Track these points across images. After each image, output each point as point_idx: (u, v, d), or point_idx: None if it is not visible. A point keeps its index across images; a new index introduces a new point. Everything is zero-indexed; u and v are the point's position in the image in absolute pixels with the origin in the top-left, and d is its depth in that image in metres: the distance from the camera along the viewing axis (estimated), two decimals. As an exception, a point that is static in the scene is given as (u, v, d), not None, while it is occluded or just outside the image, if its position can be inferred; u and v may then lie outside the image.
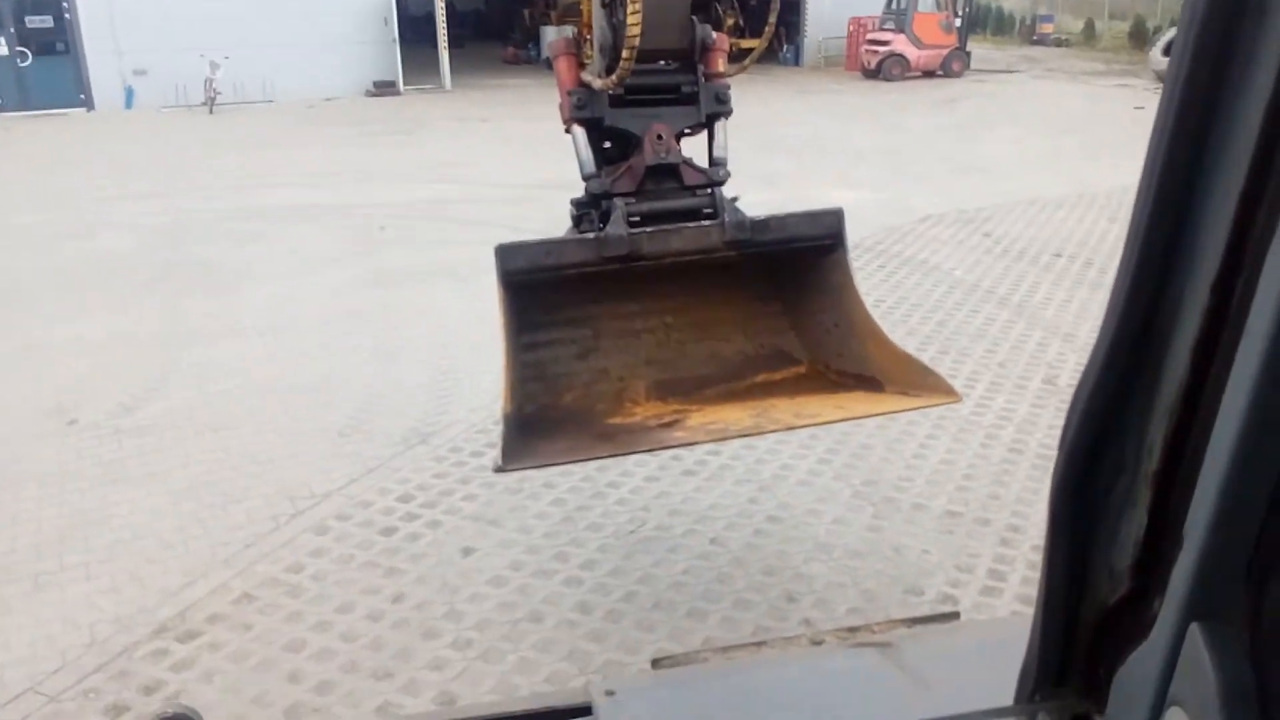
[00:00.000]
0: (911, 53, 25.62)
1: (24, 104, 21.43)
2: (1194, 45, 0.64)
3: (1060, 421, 0.78)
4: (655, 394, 3.85)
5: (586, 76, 3.74)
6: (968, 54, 26.86)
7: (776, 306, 4.01)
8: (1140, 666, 0.76)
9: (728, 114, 3.85)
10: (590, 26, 3.95)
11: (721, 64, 3.82)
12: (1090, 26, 38.21)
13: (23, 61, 21.57)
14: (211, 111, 21.33)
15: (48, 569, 4.45)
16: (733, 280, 3.89)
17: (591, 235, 3.57)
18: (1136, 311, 0.71)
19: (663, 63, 3.81)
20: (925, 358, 6.66)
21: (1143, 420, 0.73)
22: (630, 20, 3.26)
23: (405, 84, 24.53)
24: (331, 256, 9.68)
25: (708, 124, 3.84)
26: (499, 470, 3.21)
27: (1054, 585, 0.79)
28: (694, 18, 3.70)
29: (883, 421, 5.72)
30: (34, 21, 21.71)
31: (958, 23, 26.23)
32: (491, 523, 4.73)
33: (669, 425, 3.60)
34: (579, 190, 3.86)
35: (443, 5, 24.99)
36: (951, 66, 26.07)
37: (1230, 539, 0.68)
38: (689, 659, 1.66)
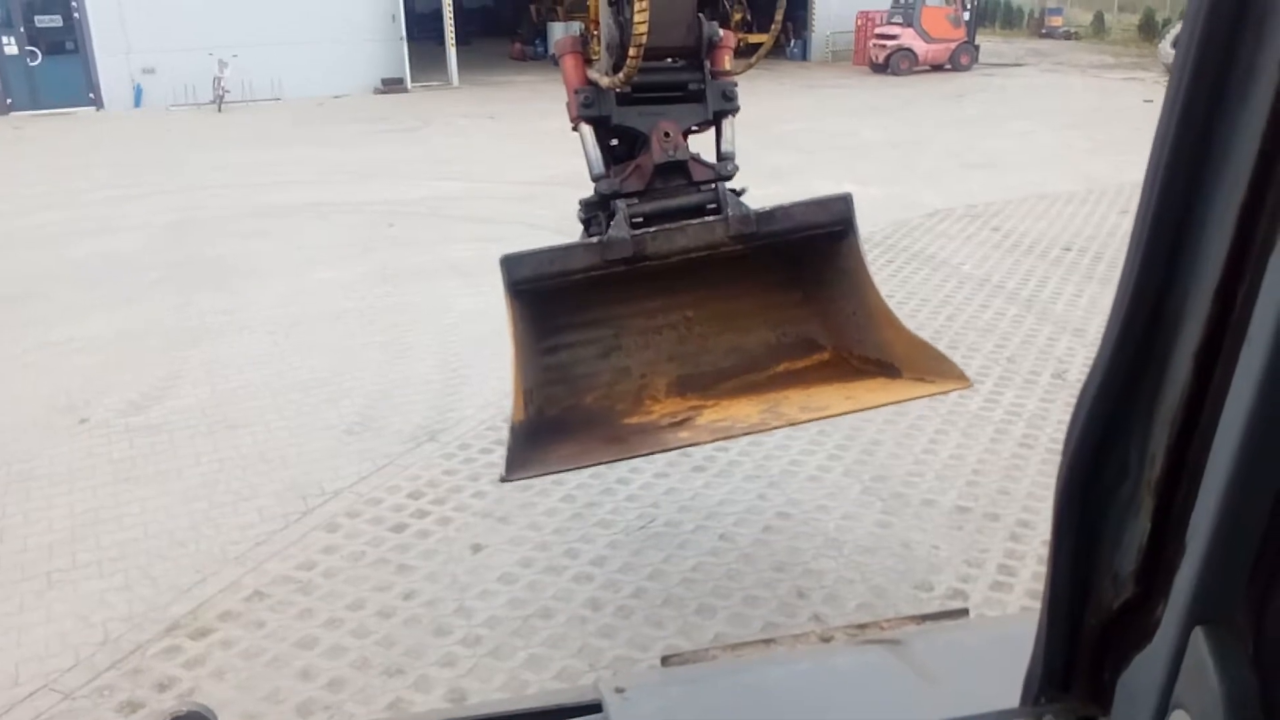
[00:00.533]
0: (919, 47, 25.53)
1: (34, 103, 21.51)
2: (1195, 53, 0.65)
3: (1070, 417, 0.79)
4: (675, 390, 3.84)
5: (593, 74, 3.74)
6: (976, 48, 26.74)
7: (798, 295, 3.96)
8: (1144, 671, 0.76)
9: (735, 111, 3.85)
10: (597, 23, 3.94)
11: (728, 62, 3.82)
12: (1099, 19, 38.01)
13: (32, 61, 21.63)
14: (220, 110, 21.39)
15: (60, 566, 4.48)
16: (753, 270, 3.85)
17: (595, 240, 3.57)
18: (1139, 318, 0.72)
19: (670, 60, 3.81)
20: (934, 353, 6.70)
21: (1145, 426, 0.73)
22: (638, 18, 3.27)
23: (413, 81, 24.55)
24: (340, 254, 9.71)
25: (715, 121, 3.84)
26: (503, 480, 3.32)
27: (1058, 590, 0.80)
28: (701, 15, 3.70)
29: (891, 416, 5.72)
30: (43, 21, 21.77)
31: (966, 16, 26.12)
32: (501, 519, 4.75)
33: (677, 425, 3.60)
34: (586, 187, 3.86)
35: (450, 2, 24.99)
36: (960, 60, 25.96)
37: (1233, 545, 0.68)
38: (699, 656, 1.67)
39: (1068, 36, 36.80)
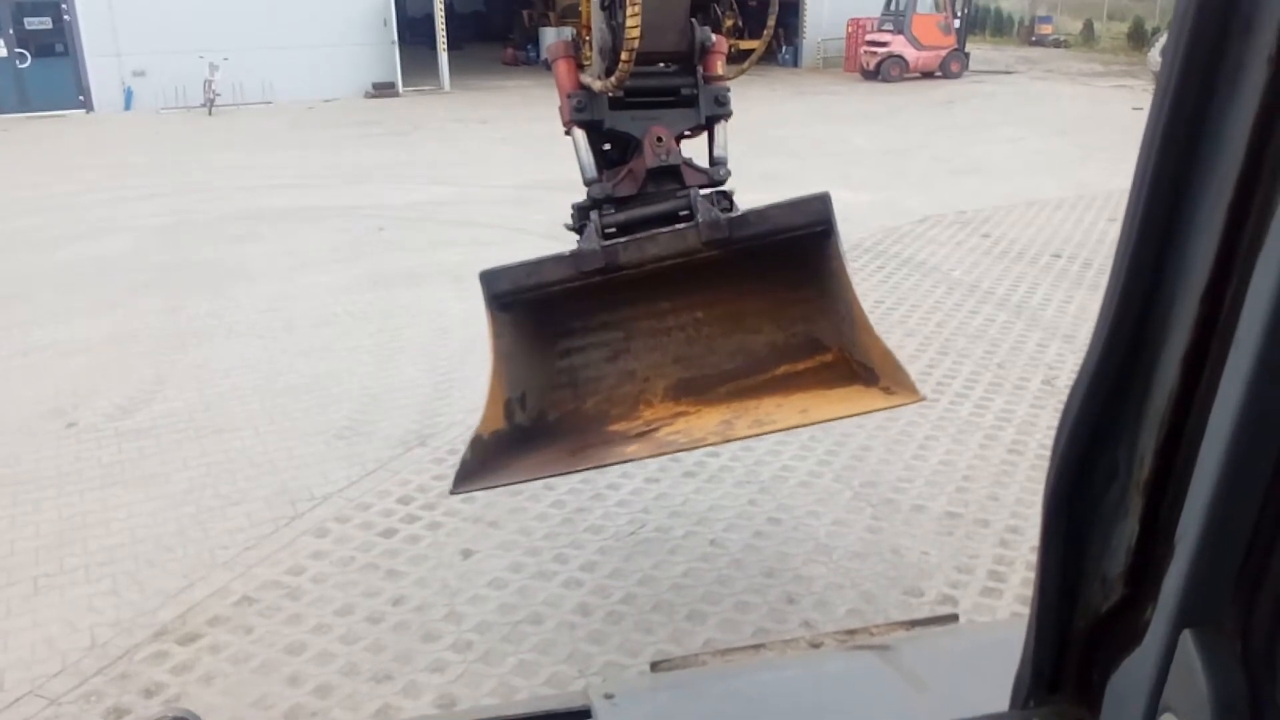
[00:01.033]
0: (910, 54, 25.64)
1: (23, 105, 21.46)
2: (1183, 58, 0.65)
3: (1058, 420, 0.79)
4: (671, 395, 3.79)
5: (586, 79, 3.74)
6: (966, 55, 26.88)
7: (807, 293, 3.85)
8: (1133, 673, 0.76)
9: (727, 116, 3.85)
10: (589, 28, 3.95)
11: (720, 67, 3.82)
12: (1089, 27, 38.23)
13: (22, 63, 21.59)
14: (210, 113, 21.34)
15: (47, 571, 4.45)
16: (763, 269, 3.77)
17: (567, 252, 3.57)
18: (1127, 321, 0.72)
19: (662, 65, 3.81)
20: (925, 358, 6.73)
21: (1134, 429, 0.74)
22: (630, 22, 3.27)
23: (404, 85, 24.55)
24: (330, 258, 9.69)
25: (707, 126, 3.84)
26: (451, 493, 3.44)
27: (1047, 592, 0.80)
28: (693, 20, 3.70)
29: (882, 422, 5.73)
30: (33, 23, 21.73)
31: (956, 24, 26.25)
32: (491, 524, 4.74)
33: (637, 437, 3.55)
34: (578, 191, 3.86)
35: (442, 7, 25.01)
36: (950, 67, 26.09)
37: (1221, 547, 0.69)
38: (688, 662, 1.66)
39: (1057, 44, 37.01)
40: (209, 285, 8.81)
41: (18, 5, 21.49)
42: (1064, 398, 0.78)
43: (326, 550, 4.56)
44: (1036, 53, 34.76)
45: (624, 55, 3.34)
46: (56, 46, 21.90)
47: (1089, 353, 0.75)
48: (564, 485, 4.99)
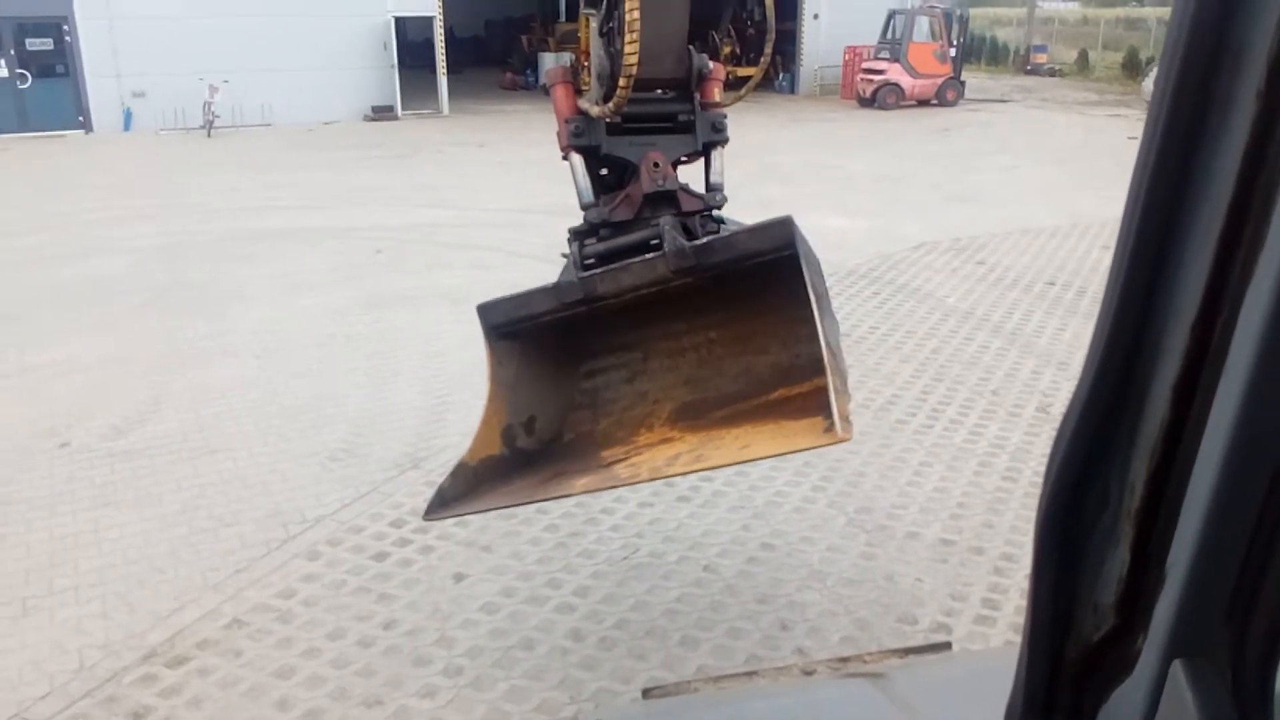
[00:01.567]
0: (906, 81, 25.83)
1: (23, 125, 21.53)
2: (1173, 91, 0.66)
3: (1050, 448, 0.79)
4: (671, 419, 3.77)
5: (584, 104, 3.76)
6: (962, 83, 27.07)
7: (775, 320, 3.76)
8: (1124, 703, 0.76)
9: (724, 142, 3.87)
10: (588, 54, 3.98)
11: (718, 93, 3.84)
12: (1084, 57, 38.56)
13: (22, 83, 21.68)
14: (209, 134, 21.42)
15: (36, 593, 4.42)
16: (738, 295, 3.71)
17: (550, 284, 3.60)
18: (1119, 350, 0.72)
19: (660, 91, 3.83)
20: (920, 384, 6.74)
21: (1125, 457, 0.74)
22: (628, 49, 3.29)
23: (403, 109, 24.67)
24: (326, 279, 9.70)
25: (704, 152, 3.86)
26: (425, 518, 3.55)
27: (1039, 621, 0.80)
28: (691, 47, 3.73)
29: (876, 449, 5.73)
30: (34, 44, 21.85)
31: (952, 52, 26.46)
32: (484, 548, 4.72)
33: (604, 467, 3.53)
34: (574, 215, 3.88)
35: (442, 31, 25.18)
36: (946, 95, 26.27)
37: (1212, 577, 0.69)
38: (680, 689, 1.66)
39: (1052, 73, 37.31)
40: (205, 306, 8.81)
41: (19, 26, 21.62)
42: (1058, 425, 0.79)
43: (318, 573, 4.54)
44: (1032, 81, 35.05)
45: (622, 81, 3.36)
46: (57, 67, 22.01)
47: (1080, 381, 0.75)
48: (557, 509, 4.98)
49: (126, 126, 22.41)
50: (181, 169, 17.17)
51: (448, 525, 4.90)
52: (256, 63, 22.63)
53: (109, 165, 17.87)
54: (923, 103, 26.12)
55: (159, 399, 6.66)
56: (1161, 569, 0.72)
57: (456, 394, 6.67)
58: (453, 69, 26.90)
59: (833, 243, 10.16)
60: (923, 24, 26.30)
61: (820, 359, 3.16)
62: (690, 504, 5.11)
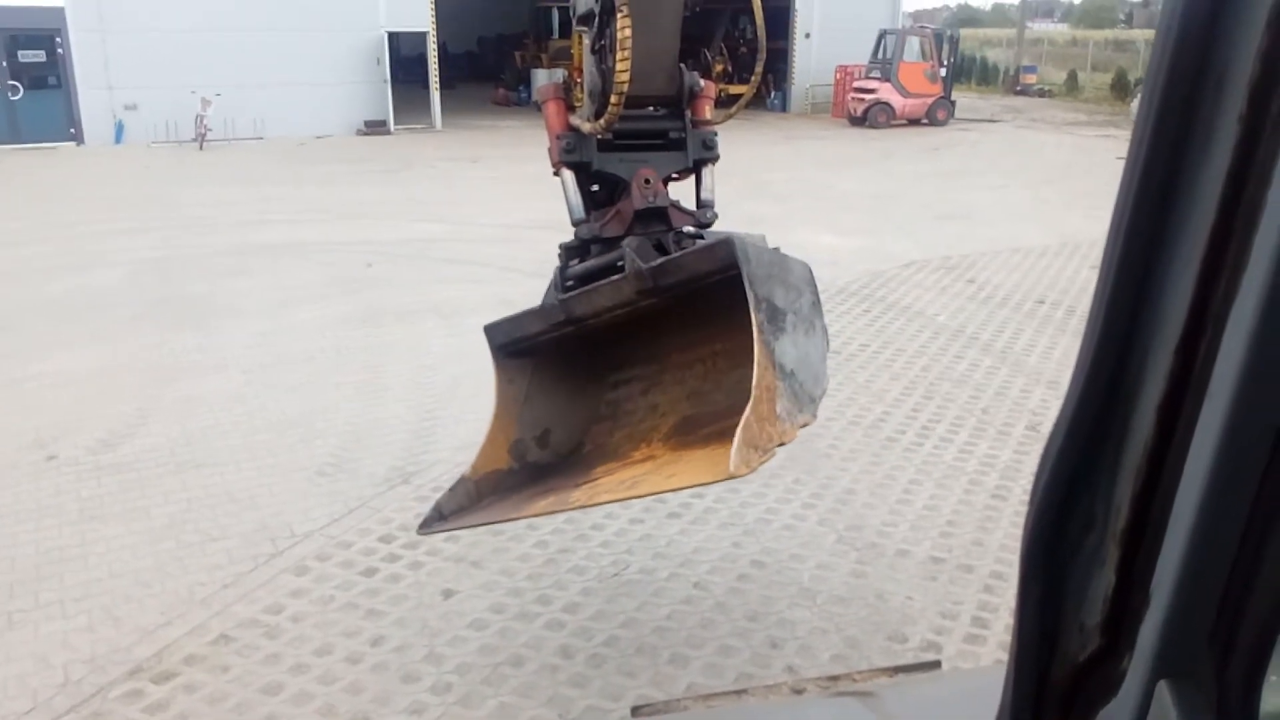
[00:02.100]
0: (897, 101, 25.99)
1: (14, 137, 21.50)
2: (1156, 114, 0.67)
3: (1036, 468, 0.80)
4: (669, 434, 3.76)
5: (576, 120, 3.78)
6: (952, 103, 27.27)
7: (726, 343, 3.76)
8: None
9: (715, 160, 3.89)
10: (581, 71, 4.00)
11: (709, 111, 3.86)
12: (1073, 78, 38.89)
13: (14, 95, 21.66)
14: (202, 148, 21.41)
15: (22, 606, 4.39)
16: (698, 315, 3.69)
17: (537, 306, 3.69)
18: (1104, 371, 0.73)
19: (651, 108, 3.86)
20: (910, 402, 6.75)
21: (1110, 479, 0.74)
22: (620, 66, 3.32)
23: (396, 123, 24.71)
24: (318, 293, 9.69)
25: (695, 169, 3.88)
26: (419, 532, 3.65)
27: (1025, 641, 0.80)
28: (683, 65, 3.75)
29: (866, 466, 5.74)
30: (26, 55, 21.84)
31: (943, 72, 26.65)
32: (474, 564, 4.70)
33: (564, 490, 3.52)
34: (565, 231, 3.89)
35: (434, 46, 25.25)
36: (936, 115, 26.45)
37: (1197, 598, 0.69)
38: (670, 707, 1.65)
39: (1042, 94, 37.59)
40: (196, 319, 8.79)
41: (12, 37, 21.61)
42: (1044, 446, 0.79)
43: (306, 588, 4.52)
44: (1021, 102, 35.30)
45: (614, 98, 3.38)
46: (49, 79, 22.00)
47: (1065, 402, 0.75)
48: (547, 525, 4.97)
49: (118, 139, 22.39)
50: (173, 182, 17.15)
51: (437, 541, 4.88)
52: (249, 76, 22.66)
53: (100, 177, 17.84)
54: (913, 122, 26.28)
55: (147, 412, 6.64)
56: (1146, 590, 0.72)
57: (447, 409, 6.66)
58: (446, 84, 26.98)
59: (824, 260, 10.20)
60: (913, 44, 26.52)
61: (752, 384, 3.04)
62: (681, 520, 5.11)
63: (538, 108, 4.01)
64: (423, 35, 25.14)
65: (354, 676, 3.88)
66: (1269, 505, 0.66)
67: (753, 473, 2.89)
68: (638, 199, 3.68)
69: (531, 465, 3.65)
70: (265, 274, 10.49)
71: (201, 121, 21.55)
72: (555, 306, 3.61)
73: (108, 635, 4.17)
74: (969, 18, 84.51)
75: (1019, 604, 0.80)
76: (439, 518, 3.44)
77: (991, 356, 7.82)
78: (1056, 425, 0.76)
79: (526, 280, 9.00)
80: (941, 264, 10.96)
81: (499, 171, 17.88)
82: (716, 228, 3.84)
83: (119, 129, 22.40)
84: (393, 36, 24.75)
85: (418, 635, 4.15)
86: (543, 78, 26.85)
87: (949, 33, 29.09)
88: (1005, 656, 0.86)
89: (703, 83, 3.83)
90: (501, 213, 13.75)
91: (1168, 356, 0.69)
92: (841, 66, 28.28)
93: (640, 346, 3.80)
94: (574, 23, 3.92)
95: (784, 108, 30.12)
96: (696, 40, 25.42)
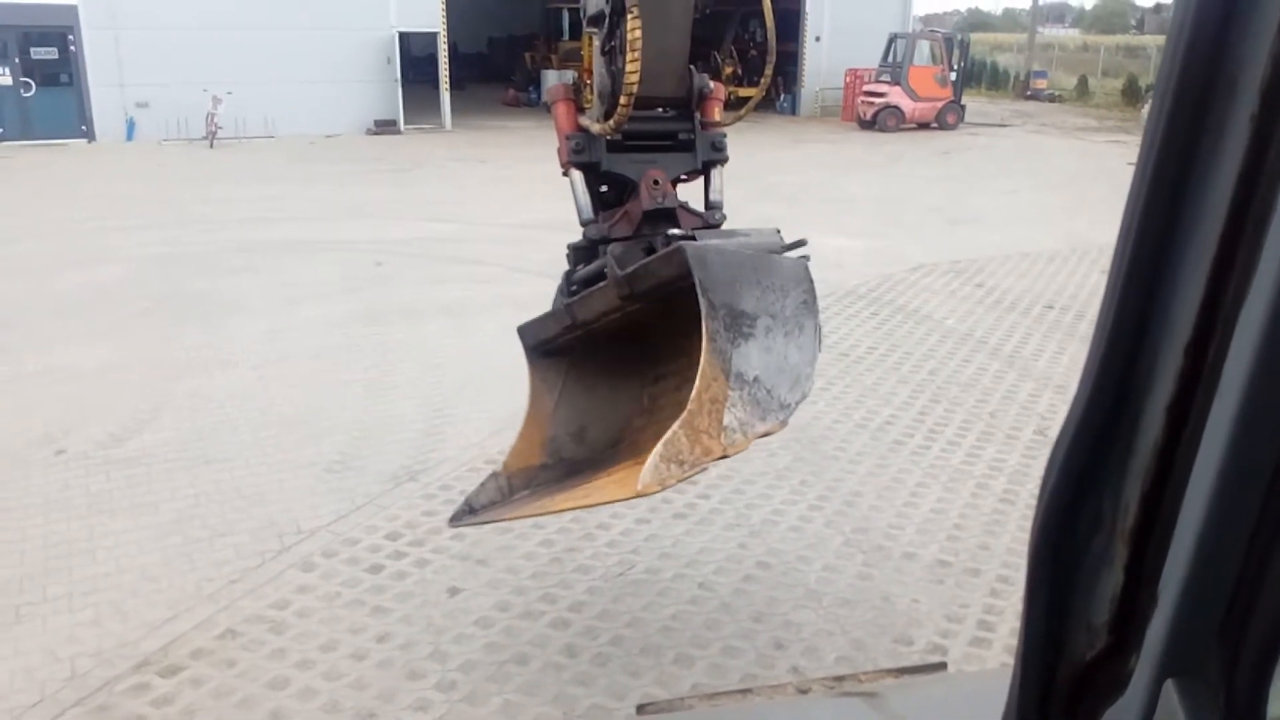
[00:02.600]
0: (907, 105, 25.96)
1: (26, 133, 21.62)
2: (1168, 116, 0.67)
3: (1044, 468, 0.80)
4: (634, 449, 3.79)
5: (585, 121, 3.79)
6: (962, 107, 27.22)
7: (692, 355, 3.81)
8: None
9: (724, 161, 3.89)
10: (591, 72, 4.01)
11: (718, 113, 3.87)
12: (1083, 83, 38.78)
13: (26, 92, 21.77)
14: (212, 145, 21.49)
15: (30, 600, 4.41)
16: (684, 320, 3.77)
17: (550, 310, 3.77)
18: (1113, 371, 0.73)
19: (660, 110, 3.86)
20: (918, 405, 6.74)
21: (1119, 478, 0.74)
22: (629, 68, 3.32)
23: (406, 123, 24.77)
24: (326, 291, 9.71)
25: (704, 171, 3.88)
26: (450, 523, 3.65)
27: (1033, 639, 0.80)
28: (692, 66, 3.76)
29: (873, 468, 5.73)
30: (39, 53, 21.96)
31: (953, 76, 26.62)
32: (479, 562, 4.71)
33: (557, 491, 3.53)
34: (574, 231, 3.90)
35: (445, 47, 25.30)
36: (946, 119, 26.41)
37: (1204, 597, 0.69)
38: (674, 706, 1.65)
39: (1052, 99, 37.51)
40: (204, 316, 8.82)
41: (25, 35, 21.72)
42: (1053, 445, 0.79)
43: (312, 585, 4.53)
44: (1031, 106, 35.23)
45: (623, 99, 3.39)
46: (61, 76, 22.12)
47: (1074, 402, 0.76)
48: (553, 524, 4.98)
49: (129, 136, 22.49)
50: (183, 179, 17.21)
51: (443, 538, 4.90)
52: (260, 75, 22.74)
53: (111, 174, 17.91)
54: (923, 126, 26.25)
55: (156, 408, 6.66)
56: (1154, 589, 0.72)
57: (454, 407, 6.67)
58: (456, 85, 27.03)
59: (832, 262, 10.20)
60: (924, 48, 26.47)
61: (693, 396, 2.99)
62: (686, 521, 5.11)
63: (547, 108, 4.02)
64: (433, 35, 25.19)
65: (359, 673, 3.90)
66: (1277, 505, 0.66)
67: (663, 490, 2.79)
68: (646, 200, 3.68)
69: (568, 461, 3.67)
70: (274, 271, 10.52)
71: (212, 119, 21.63)
72: (563, 311, 3.67)
73: (115, 629, 4.19)
74: (980, 22, 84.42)
75: (1027, 601, 0.80)
76: (469, 511, 3.47)
77: (999, 361, 7.81)
78: (1066, 424, 0.76)
79: (535, 280, 9.01)
80: (950, 268, 10.94)
81: (508, 172, 17.91)
82: (726, 227, 3.84)
83: (130, 126, 22.50)
84: (403, 36, 24.81)
85: (423, 632, 4.16)
86: (553, 78, 26.89)
87: (959, 37, 29.04)
88: (1011, 660, 0.86)
89: (712, 84, 3.83)
90: (510, 213, 13.77)
91: (1178, 356, 0.69)
92: (851, 70, 28.27)
93: (675, 340, 3.80)
94: (584, 24, 3.93)
95: (793, 110, 30.12)
96: (706, 42, 25.44)
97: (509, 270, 10.42)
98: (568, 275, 3.92)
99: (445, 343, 8.08)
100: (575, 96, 3.94)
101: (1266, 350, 0.62)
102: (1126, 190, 0.72)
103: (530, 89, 31.12)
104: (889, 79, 26.20)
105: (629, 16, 3.29)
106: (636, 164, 3.76)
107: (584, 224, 3.78)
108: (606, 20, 3.65)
